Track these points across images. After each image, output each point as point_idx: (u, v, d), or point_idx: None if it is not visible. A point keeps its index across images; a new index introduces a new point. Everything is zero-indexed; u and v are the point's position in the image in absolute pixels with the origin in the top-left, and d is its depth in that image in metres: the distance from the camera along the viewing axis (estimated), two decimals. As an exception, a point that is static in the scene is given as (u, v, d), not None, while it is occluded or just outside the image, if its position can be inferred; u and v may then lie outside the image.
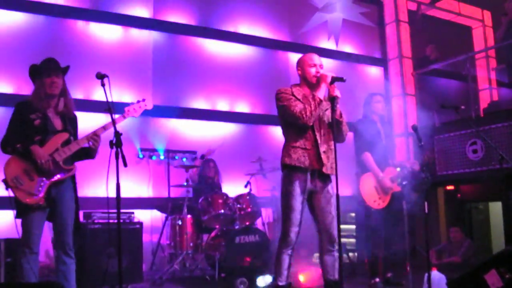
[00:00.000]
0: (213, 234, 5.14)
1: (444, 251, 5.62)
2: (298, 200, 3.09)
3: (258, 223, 5.70)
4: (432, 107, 6.38)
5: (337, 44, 7.64)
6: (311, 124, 3.09)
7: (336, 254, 3.14)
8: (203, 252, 5.17)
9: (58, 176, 3.12)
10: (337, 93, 3.04)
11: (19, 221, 3.06)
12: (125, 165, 2.73)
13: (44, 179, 3.07)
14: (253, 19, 6.97)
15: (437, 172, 6.18)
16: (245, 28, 6.89)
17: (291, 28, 7.31)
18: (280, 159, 3.20)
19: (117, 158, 2.73)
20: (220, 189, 5.73)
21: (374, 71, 8.00)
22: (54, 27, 5.66)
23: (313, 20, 7.49)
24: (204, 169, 5.81)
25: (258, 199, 5.37)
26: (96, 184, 5.30)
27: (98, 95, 5.56)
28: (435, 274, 3.71)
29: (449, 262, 5.33)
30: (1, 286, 3.97)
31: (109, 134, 2.86)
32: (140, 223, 4.77)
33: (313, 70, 3.19)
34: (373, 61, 7.92)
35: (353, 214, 5.86)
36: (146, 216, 5.68)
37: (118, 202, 2.74)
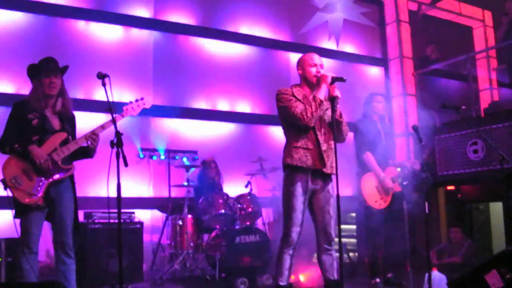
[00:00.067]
0: (213, 234, 5.14)
1: (445, 251, 5.62)
2: (299, 200, 3.09)
3: (259, 223, 5.70)
4: (433, 107, 6.37)
5: (337, 44, 7.63)
6: (312, 125, 3.09)
7: (334, 253, 3.15)
8: (204, 252, 5.17)
9: (57, 176, 3.12)
10: (337, 93, 3.04)
11: (18, 221, 3.06)
12: (126, 165, 2.73)
13: (42, 179, 3.07)
14: (253, 19, 6.97)
15: (438, 172, 6.18)
16: (245, 28, 6.89)
17: (292, 28, 7.31)
18: (282, 159, 3.20)
19: (117, 158, 2.73)
20: (221, 189, 5.73)
21: (375, 71, 7.99)
22: (55, 27, 5.67)
23: (313, 20, 7.49)
24: (205, 169, 5.81)
25: (258, 199, 5.37)
26: (96, 184, 5.31)
27: (99, 95, 5.56)
28: (436, 274, 3.71)
29: (450, 263, 5.32)
30: (1, 286, 3.97)
31: (110, 134, 2.86)
32: (141, 223, 4.77)
33: (313, 70, 3.19)
34: (373, 61, 7.92)
35: (353, 214, 5.86)
36: (146, 216, 5.69)
37: (119, 202, 2.74)
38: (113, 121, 2.91)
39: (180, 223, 5.18)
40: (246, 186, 5.55)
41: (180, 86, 6.32)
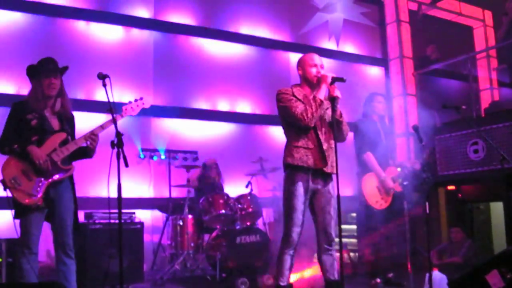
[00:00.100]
0: (214, 234, 5.14)
1: (445, 251, 5.61)
2: (300, 200, 3.09)
3: (259, 223, 5.70)
4: (433, 107, 6.37)
5: (337, 44, 7.63)
6: (313, 125, 3.09)
7: (335, 253, 3.15)
8: (204, 252, 5.17)
9: (56, 176, 3.12)
10: (337, 93, 3.04)
11: (18, 221, 3.06)
12: (127, 165, 2.73)
13: (42, 179, 3.07)
14: (253, 19, 6.97)
15: (438, 172, 6.17)
16: (245, 28, 6.89)
17: (292, 28, 7.31)
18: (282, 159, 3.20)
19: (118, 158, 2.73)
20: (222, 189, 5.72)
21: (375, 71, 7.99)
22: (55, 28, 5.67)
23: (314, 20, 7.49)
24: (205, 170, 5.81)
25: (259, 199, 5.37)
26: (97, 184, 5.31)
27: (99, 95, 5.57)
28: (436, 274, 3.71)
29: (450, 263, 5.31)
30: (2, 286, 3.97)
31: (111, 134, 2.86)
32: (141, 223, 4.77)
33: (313, 70, 3.19)
34: (374, 61, 7.92)
35: (354, 214, 5.86)
36: (147, 216, 5.69)
37: (120, 202, 2.74)
38: (114, 121, 2.90)
39: (181, 223, 5.18)
40: (247, 186, 5.55)
41: (180, 86, 6.32)
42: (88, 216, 4.58)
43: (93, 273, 4.27)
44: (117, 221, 2.78)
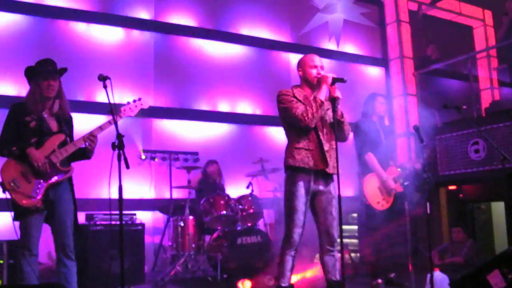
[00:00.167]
0: (215, 235, 5.13)
1: (447, 251, 5.60)
2: (301, 201, 3.09)
3: (260, 224, 5.69)
4: (434, 107, 6.37)
5: (338, 45, 7.64)
6: (313, 126, 3.09)
7: (337, 254, 3.15)
8: (205, 253, 5.17)
9: (55, 178, 3.12)
10: (338, 94, 3.04)
11: (17, 223, 3.06)
12: (127, 167, 2.73)
13: (41, 181, 3.07)
14: (254, 20, 6.97)
15: (439, 172, 6.17)
16: (246, 29, 6.90)
17: (292, 29, 7.31)
18: (284, 160, 3.20)
19: (119, 160, 2.73)
20: (223, 190, 5.72)
21: (375, 72, 7.99)
22: (56, 30, 5.68)
23: (314, 21, 7.49)
24: (206, 175, 5.81)
25: (260, 200, 5.37)
26: (98, 185, 5.31)
27: (100, 97, 5.57)
28: (438, 274, 3.70)
29: (452, 263, 5.31)
30: (3, 288, 3.98)
31: (111, 135, 2.86)
32: (142, 225, 4.77)
33: (314, 71, 3.19)
34: (374, 62, 7.92)
35: (355, 215, 5.86)
36: (148, 218, 5.69)
37: (120, 203, 2.74)
38: (115, 122, 2.90)
39: (182, 224, 5.18)
40: (248, 187, 5.55)
41: (180, 88, 6.33)
42: (89, 217, 4.58)
43: (94, 275, 4.28)
44: (118, 222, 2.78)
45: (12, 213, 3.05)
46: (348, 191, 5.94)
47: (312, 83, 3.20)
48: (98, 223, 4.52)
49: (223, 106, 6.61)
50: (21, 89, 5.21)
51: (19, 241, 3.06)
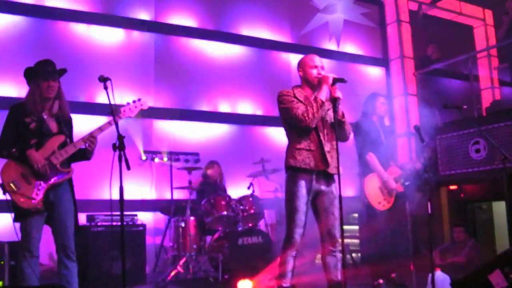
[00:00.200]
0: (216, 236, 5.14)
1: (448, 251, 5.60)
2: (302, 202, 3.09)
3: (261, 224, 5.69)
4: (434, 106, 6.37)
5: (338, 45, 7.64)
6: (314, 126, 3.09)
7: (339, 255, 3.14)
8: (206, 254, 5.17)
9: (55, 179, 3.12)
10: (338, 94, 3.04)
11: (17, 224, 3.06)
12: (128, 168, 2.73)
13: (41, 182, 3.07)
14: (254, 21, 6.98)
15: (440, 172, 6.17)
16: (246, 29, 6.90)
17: (293, 29, 7.31)
18: (284, 160, 3.20)
19: (120, 161, 2.73)
20: (225, 191, 5.72)
21: (376, 72, 7.99)
22: (56, 31, 5.69)
23: (314, 21, 7.49)
24: (206, 177, 5.80)
25: (261, 201, 5.37)
26: (99, 186, 5.31)
27: (101, 98, 5.57)
28: (439, 274, 3.70)
29: (453, 263, 5.31)
30: (5, 289, 3.98)
31: (112, 136, 2.86)
32: (143, 225, 4.78)
33: (314, 72, 3.19)
34: (374, 62, 7.92)
35: (356, 215, 5.85)
36: (149, 218, 5.70)
37: (122, 204, 2.74)
38: (115, 124, 2.90)
39: (183, 225, 5.18)
40: (249, 188, 5.55)
41: (181, 88, 6.33)
42: (90, 218, 4.59)
43: (95, 275, 4.28)
44: (119, 223, 2.78)
45: (12, 214, 3.05)
46: (348, 191, 5.93)
47: (312, 84, 3.19)
48: (99, 224, 4.52)
49: (224, 107, 6.61)
50: (22, 91, 5.20)
51: (19, 242, 3.07)
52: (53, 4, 5.66)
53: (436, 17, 8.42)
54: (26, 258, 3.03)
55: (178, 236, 5.18)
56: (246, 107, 6.77)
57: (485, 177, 5.72)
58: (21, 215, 3.04)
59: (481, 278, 3.15)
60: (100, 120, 4.75)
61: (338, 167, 2.91)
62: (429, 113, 6.25)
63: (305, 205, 3.10)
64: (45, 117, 3.18)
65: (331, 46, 7.58)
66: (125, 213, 3.22)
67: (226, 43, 6.72)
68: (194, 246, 5.17)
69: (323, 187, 3.16)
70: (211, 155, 6.04)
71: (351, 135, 3.44)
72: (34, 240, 3.04)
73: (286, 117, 3.17)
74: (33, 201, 3.02)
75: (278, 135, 6.47)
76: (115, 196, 2.81)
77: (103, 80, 2.85)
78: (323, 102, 3.06)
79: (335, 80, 3.07)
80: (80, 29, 5.84)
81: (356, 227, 5.81)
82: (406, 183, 4.37)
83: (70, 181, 3.24)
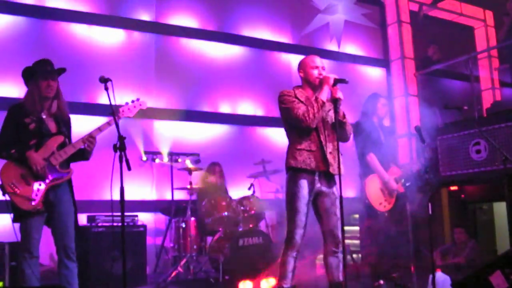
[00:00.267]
0: (216, 236, 5.13)
1: (449, 252, 5.59)
2: (303, 202, 3.09)
3: (262, 225, 5.69)
4: (435, 107, 6.37)
5: (339, 46, 7.64)
6: (314, 126, 3.09)
7: (341, 255, 3.14)
8: (207, 255, 5.17)
9: (55, 180, 3.12)
10: (339, 95, 3.04)
11: (16, 225, 3.06)
12: (129, 169, 2.73)
13: (41, 183, 3.07)
14: (255, 21, 6.98)
15: (441, 172, 6.16)
16: (246, 30, 6.90)
17: (293, 30, 7.32)
18: (285, 161, 3.19)
19: (121, 161, 2.74)
20: (226, 192, 5.72)
21: (377, 72, 7.99)
22: (57, 31, 5.70)
23: (315, 22, 7.49)
24: (208, 178, 5.80)
25: (261, 201, 5.37)
26: (100, 187, 5.31)
27: (101, 99, 5.58)
28: (440, 275, 3.70)
29: (454, 263, 5.30)
30: (5, 290, 3.98)
31: (113, 137, 2.86)
32: (144, 226, 4.78)
33: (315, 72, 3.19)
34: (375, 62, 7.92)
35: (357, 216, 5.85)
36: (149, 219, 5.70)
37: (122, 205, 2.74)
38: (116, 124, 2.90)
39: (183, 225, 5.18)
40: (249, 189, 5.55)
41: (182, 89, 6.33)
42: (91, 219, 4.59)
43: (96, 276, 4.28)
44: (120, 224, 2.78)
45: (12, 215, 3.05)
46: (349, 192, 5.92)
47: (313, 84, 3.19)
48: (100, 224, 4.52)
49: (224, 107, 6.61)
50: (22, 91, 5.18)
51: (20, 243, 3.07)
52: (54, 5, 5.66)
53: (436, 17, 8.42)
54: (26, 259, 3.03)
55: (178, 237, 5.18)
56: (246, 108, 6.77)
57: (485, 178, 5.71)
58: (21, 216, 3.04)
59: (481, 279, 3.14)
60: (101, 120, 4.71)
61: (339, 168, 2.91)
62: (430, 113, 6.25)
63: (306, 205, 3.10)
64: (44, 117, 3.17)
65: (331, 46, 7.58)
66: (126, 213, 3.21)
67: (226, 44, 6.73)
68: (195, 247, 5.18)
69: (324, 188, 3.16)
70: (211, 155, 6.04)
71: (351, 136, 3.44)
72: (34, 241, 3.04)
73: (286, 117, 3.17)
74: (32, 202, 3.02)
75: (278, 136, 6.46)
76: (116, 196, 2.81)
77: (104, 81, 2.85)
78: (324, 102, 3.06)
79: (336, 81, 3.07)
80: (81, 30, 5.84)
81: (357, 228, 5.80)
82: (407, 184, 4.37)
83: (69, 181, 3.24)
